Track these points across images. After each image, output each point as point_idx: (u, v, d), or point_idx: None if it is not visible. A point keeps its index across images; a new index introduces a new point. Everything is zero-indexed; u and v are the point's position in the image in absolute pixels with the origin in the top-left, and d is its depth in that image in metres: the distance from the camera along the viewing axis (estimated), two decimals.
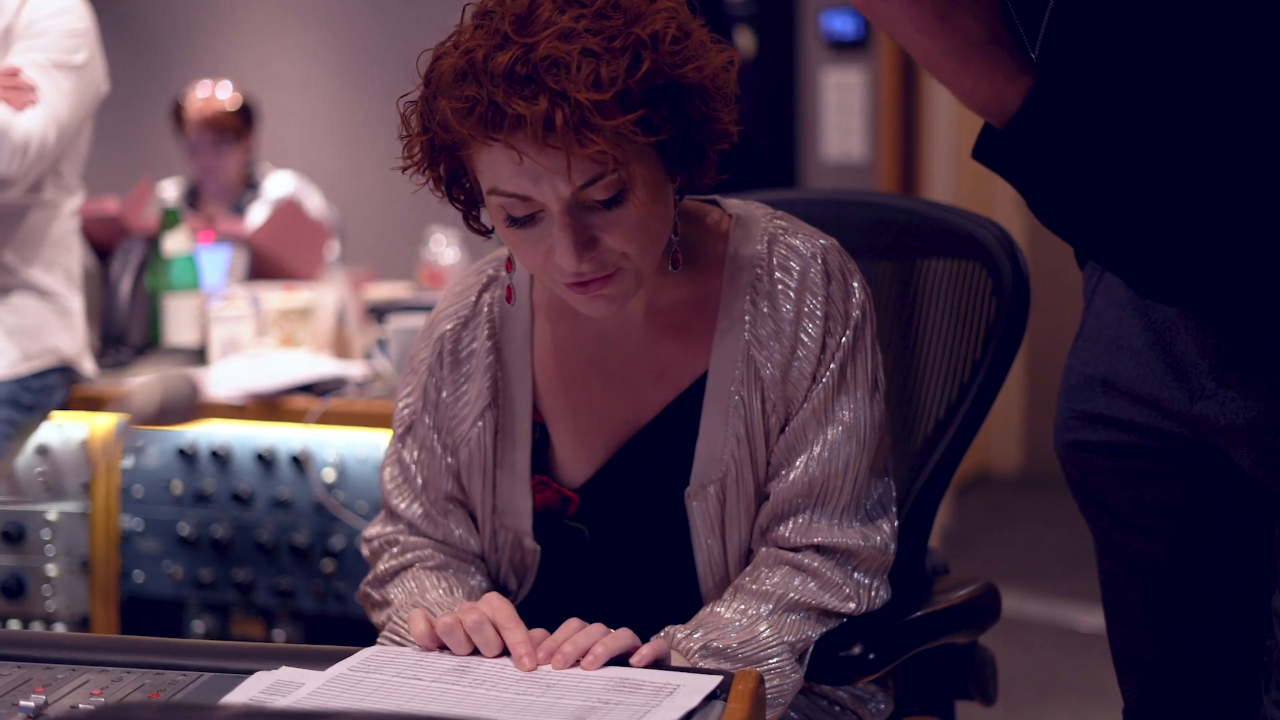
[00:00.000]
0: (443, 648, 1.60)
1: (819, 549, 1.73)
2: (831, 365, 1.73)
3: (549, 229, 1.60)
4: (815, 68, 5.43)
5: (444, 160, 1.65)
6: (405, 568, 1.85)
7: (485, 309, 1.85)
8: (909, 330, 2.12)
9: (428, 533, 1.86)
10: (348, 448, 3.00)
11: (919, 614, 1.84)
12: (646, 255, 1.65)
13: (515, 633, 1.55)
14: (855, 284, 1.76)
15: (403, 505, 1.86)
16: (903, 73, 5.46)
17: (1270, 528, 1.62)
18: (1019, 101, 1.43)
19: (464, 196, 1.70)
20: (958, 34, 1.42)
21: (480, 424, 1.82)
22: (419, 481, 1.85)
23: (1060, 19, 1.48)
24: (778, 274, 1.75)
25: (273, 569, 3.07)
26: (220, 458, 3.08)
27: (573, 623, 1.58)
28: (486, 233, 1.73)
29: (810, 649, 1.72)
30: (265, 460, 3.06)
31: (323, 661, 1.53)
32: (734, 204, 1.82)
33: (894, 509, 1.78)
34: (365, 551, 1.91)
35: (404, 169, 1.67)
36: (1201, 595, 1.72)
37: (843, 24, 5.40)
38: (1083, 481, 1.78)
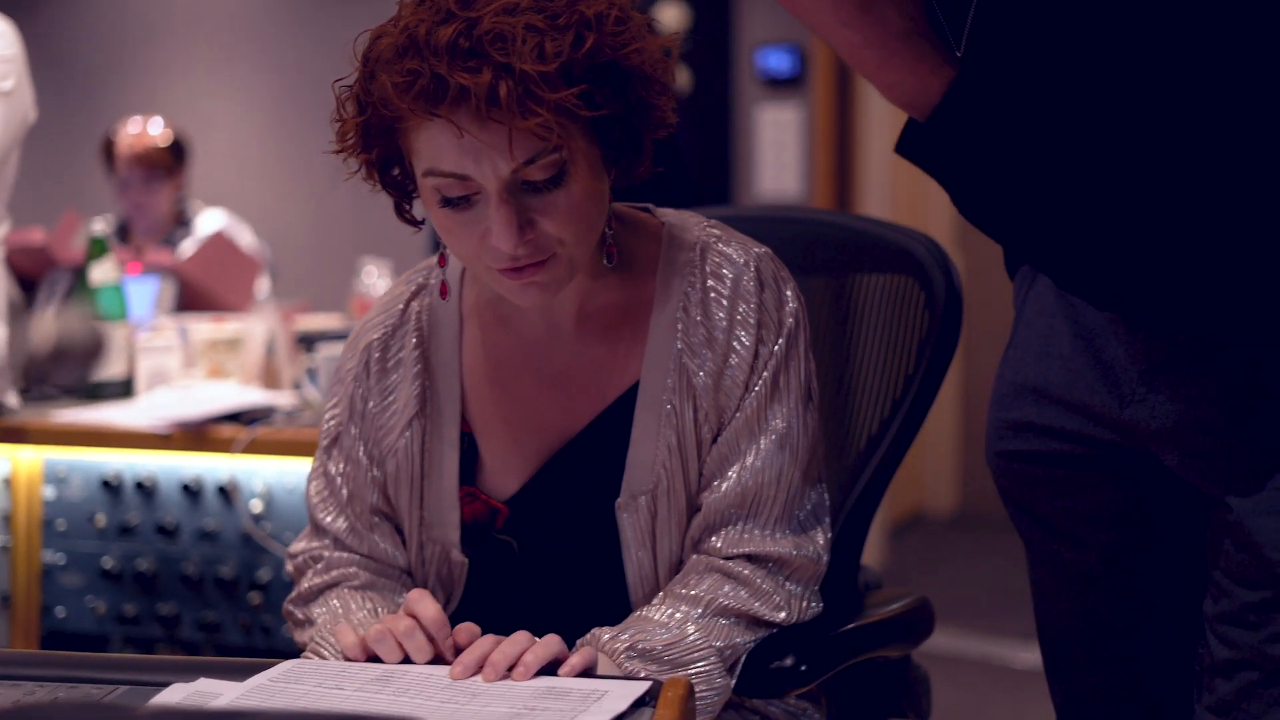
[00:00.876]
0: (371, 659, 1.57)
1: (750, 558, 1.71)
2: (764, 374, 1.71)
3: (484, 212, 1.58)
4: (750, 105, 5.44)
5: (379, 144, 1.62)
6: (330, 586, 1.81)
7: (413, 317, 1.82)
8: (842, 345, 2.11)
9: (353, 547, 1.82)
10: (276, 477, 2.96)
11: (852, 626, 1.82)
12: (581, 242, 1.62)
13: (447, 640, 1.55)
14: (789, 292, 1.74)
15: (328, 519, 1.83)
16: (838, 110, 5.47)
17: (1202, 534, 1.61)
18: (943, 93, 1.42)
19: (396, 184, 1.68)
20: (880, 25, 1.42)
21: (408, 434, 1.79)
22: (344, 494, 1.82)
23: (986, 12, 1.48)
24: (711, 281, 1.73)
25: (198, 602, 3.02)
26: (145, 489, 3.03)
27: (488, 640, 1.55)
28: (418, 224, 1.71)
29: (741, 660, 1.69)
30: (191, 491, 3.01)
31: (241, 674, 1.49)
32: (668, 212, 1.81)
33: (828, 519, 1.76)
34: (289, 568, 1.87)
35: (337, 152, 1.64)
36: (1134, 603, 1.71)
37: (778, 61, 5.42)
38: (1014, 491, 1.77)
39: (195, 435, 2.97)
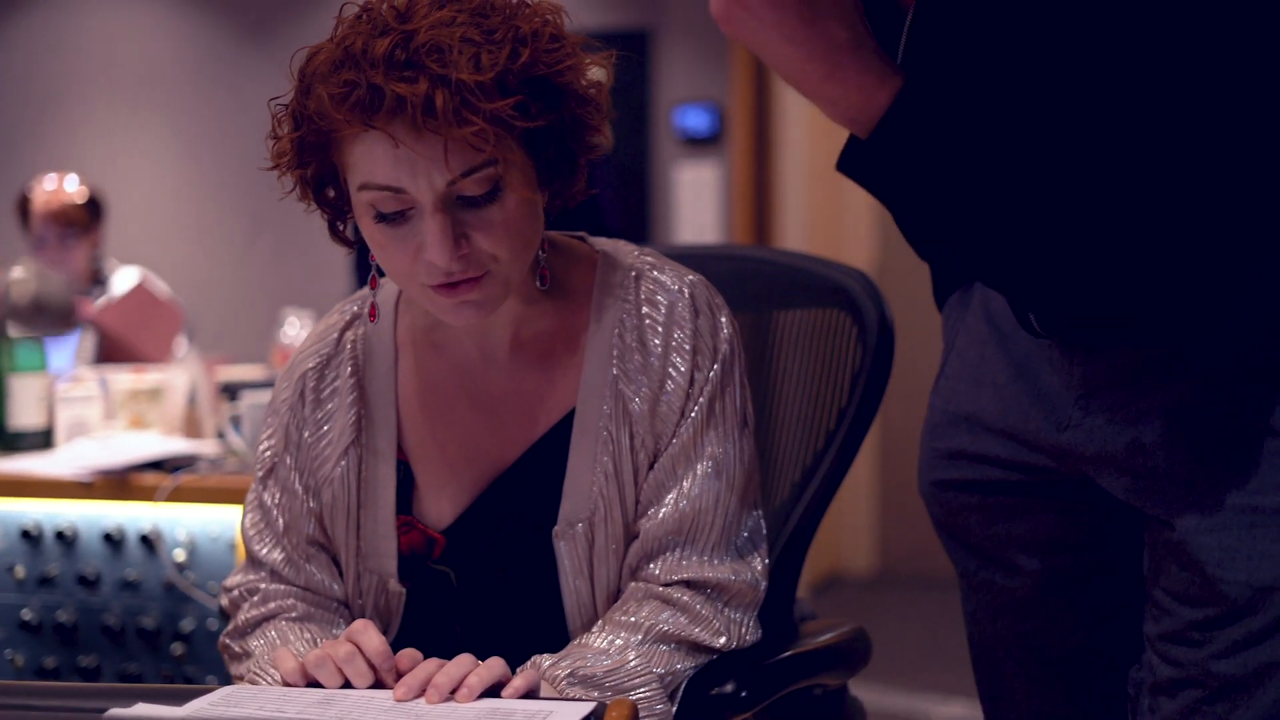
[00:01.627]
0: (311, 684, 1.55)
1: (689, 584, 1.71)
2: (700, 400, 1.72)
3: (419, 227, 1.58)
4: (669, 163, 5.48)
5: (314, 161, 1.62)
6: (267, 618, 1.78)
7: (348, 346, 1.81)
8: (773, 380, 2.12)
9: (290, 579, 1.80)
10: (199, 526, 2.93)
11: (791, 652, 1.82)
12: (516, 259, 1.63)
13: (386, 662, 1.53)
14: (723, 319, 1.75)
15: (264, 551, 1.81)
16: (756, 168, 5.52)
17: (1139, 555, 1.63)
18: (888, 105, 1.43)
19: (330, 204, 1.68)
20: (824, 38, 1.41)
21: (343, 463, 1.78)
22: (280, 525, 1.80)
23: (922, 26, 1.49)
24: (645, 309, 1.74)
25: (120, 654, 2.97)
26: (66, 539, 2.99)
27: (431, 663, 1.54)
28: (350, 244, 1.71)
29: (682, 686, 1.69)
30: (113, 541, 2.97)
31: (179, 699, 1.47)
32: (601, 241, 1.81)
33: (765, 545, 1.77)
34: (224, 601, 1.85)
35: (271, 168, 1.64)
36: (1069, 626, 1.72)
37: (696, 120, 5.46)
38: (947, 521, 1.78)
39: (117, 484, 2.93)
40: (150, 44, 6.72)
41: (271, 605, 1.78)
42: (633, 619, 1.68)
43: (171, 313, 3.92)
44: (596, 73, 1.65)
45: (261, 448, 1.83)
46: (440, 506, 1.77)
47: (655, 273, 1.76)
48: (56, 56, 6.70)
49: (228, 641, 1.81)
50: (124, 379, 3.27)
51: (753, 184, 5.50)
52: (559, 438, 1.74)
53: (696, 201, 5.44)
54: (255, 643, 1.77)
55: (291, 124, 1.61)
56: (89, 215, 4.94)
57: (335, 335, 1.82)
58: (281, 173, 1.64)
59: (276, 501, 1.80)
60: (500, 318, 1.72)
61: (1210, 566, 1.50)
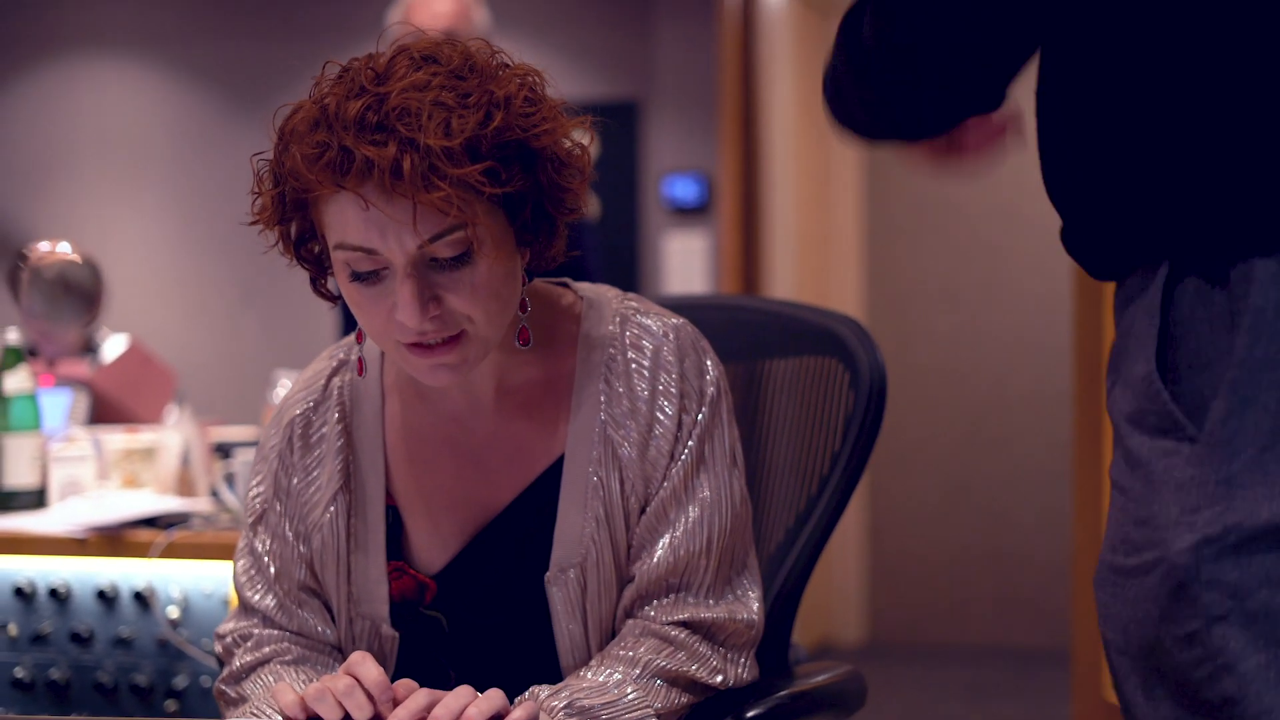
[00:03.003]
0: (311, 718, 1.56)
1: (686, 624, 1.72)
2: (690, 443, 1.73)
3: (392, 287, 1.59)
4: (657, 232, 5.52)
5: (294, 218, 1.64)
6: (263, 663, 1.79)
7: (335, 392, 1.82)
8: (764, 427, 2.14)
9: (283, 625, 1.81)
10: (193, 583, 2.93)
11: (787, 692, 1.83)
12: (492, 322, 1.64)
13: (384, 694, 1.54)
14: (709, 361, 1.77)
15: (256, 597, 1.82)
16: (744, 238, 5.57)
17: None
18: None
19: (312, 259, 1.69)
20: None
21: (332, 509, 1.79)
22: (272, 571, 1.81)
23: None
24: (631, 353, 1.75)
25: (113, 711, 2.97)
26: (59, 596, 2.99)
27: (423, 693, 1.55)
28: (334, 298, 1.73)
29: None
30: (107, 598, 2.97)
31: None
32: (585, 287, 1.83)
33: (759, 585, 1.78)
34: (218, 648, 1.86)
35: (252, 223, 1.66)
36: None
37: (684, 190, 5.51)
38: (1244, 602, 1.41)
39: (111, 540, 2.94)
40: (143, 115, 6.77)
41: (266, 650, 1.79)
42: (630, 654, 1.69)
43: (164, 374, 3.94)
44: (579, 134, 1.68)
45: (251, 494, 1.84)
46: (430, 552, 1.78)
47: (640, 317, 1.78)
48: (50, 126, 6.75)
49: (223, 688, 1.81)
50: (117, 439, 3.28)
51: (741, 253, 5.55)
52: (549, 484, 1.76)
53: (685, 270, 5.48)
54: (251, 687, 1.77)
55: (272, 180, 1.63)
56: None
57: (323, 382, 1.83)
58: (263, 229, 1.66)
59: (267, 548, 1.81)
60: (483, 368, 1.74)
61: None
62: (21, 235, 4.64)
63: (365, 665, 1.58)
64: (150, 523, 2.97)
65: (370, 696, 1.56)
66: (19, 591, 3.00)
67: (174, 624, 2.93)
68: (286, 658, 1.78)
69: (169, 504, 3.06)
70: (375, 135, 1.53)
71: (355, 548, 1.79)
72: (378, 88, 1.55)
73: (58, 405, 3.58)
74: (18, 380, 3.24)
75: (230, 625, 1.83)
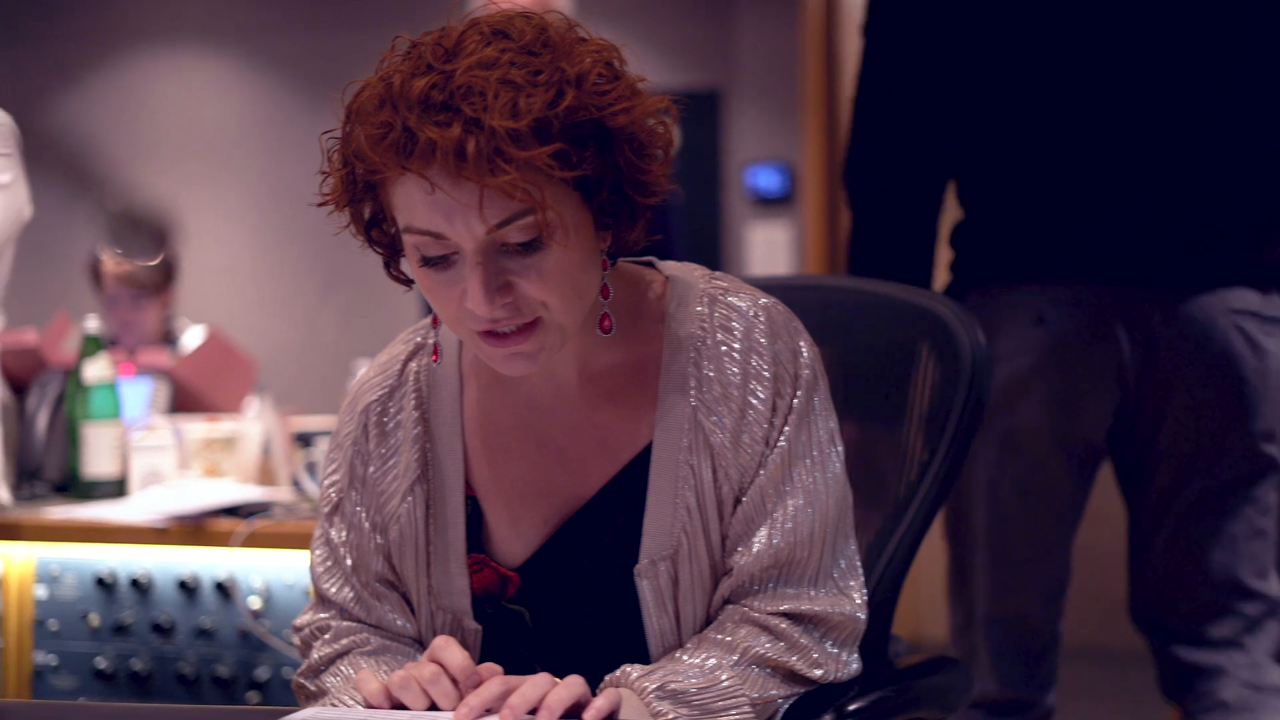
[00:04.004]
0: (396, 707, 1.51)
1: (787, 615, 1.65)
2: (785, 429, 1.65)
3: (464, 272, 1.52)
4: (741, 223, 5.46)
5: (365, 199, 1.58)
6: (341, 654, 1.73)
7: (411, 378, 1.75)
8: (865, 413, 2.07)
9: (360, 618, 1.75)
10: (275, 573, 2.89)
11: (890, 686, 1.76)
12: (569, 309, 1.56)
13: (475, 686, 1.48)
14: (802, 343, 1.69)
15: (333, 590, 1.75)
16: (828, 228, 5.49)
17: None
18: None
19: (384, 242, 1.63)
20: None
21: (409, 499, 1.72)
22: (349, 563, 1.74)
23: None
24: (720, 335, 1.67)
25: (194, 703, 2.93)
26: (140, 586, 2.96)
27: (497, 681, 1.48)
28: (408, 282, 1.65)
29: (778, 716, 1.63)
30: (188, 588, 2.94)
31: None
32: (670, 265, 1.75)
33: (861, 576, 1.71)
34: (295, 641, 1.80)
35: (321, 204, 1.60)
36: None
37: (768, 180, 5.44)
38: None
39: (192, 530, 2.90)
40: (222, 106, 6.77)
41: (344, 641, 1.73)
42: (728, 639, 1.62)
43: (244, 364, 3.91)
44: (660, 113, 1.60)
45: (327, 483, 1.78)
46: (512, 544, 1.71)
47: (728, 297, 1.70)
48: (130, 119, 6.76)
49: (302, 681, 1.76)
50: (198, 428, 3.25)
51: (825, 243, 5.47)
52: (636, 473, 1.68)
53: (768, 261, 5.41)
54: (330, 679, 1.72)
55: (340, 161, 1.57)
56: (161, 276, 4.96)
57: (398, 367, 1.76)
58: (333, 210, 1.60)
59: (343, 539, 1.75)
60: (565, 354, 1.66)
61: None
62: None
63: (450, 650, 1.52)
64: (231, 512, 2.93)
65: (456, 683, 1.50)
66: (100, 581, 2.98)
67: (255, 614, 2.89)
68: (366, 648, 1.72)
69: (250, 493, 3.03)
70: (439, 115, 1.45)
71: (434, 540, 1.72)
72: (445, 65, 1.48)
73: (138, 394, 3.55)
74: (98, 369, 3.22)
75: (307, 618, 1.78)
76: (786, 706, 1.65)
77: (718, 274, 1.74)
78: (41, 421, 3.38)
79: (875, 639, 1.90)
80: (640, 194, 1.58)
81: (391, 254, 1.64)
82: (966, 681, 1.89)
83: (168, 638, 2.94)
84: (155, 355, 4.06)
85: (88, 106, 6.78)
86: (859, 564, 1.71)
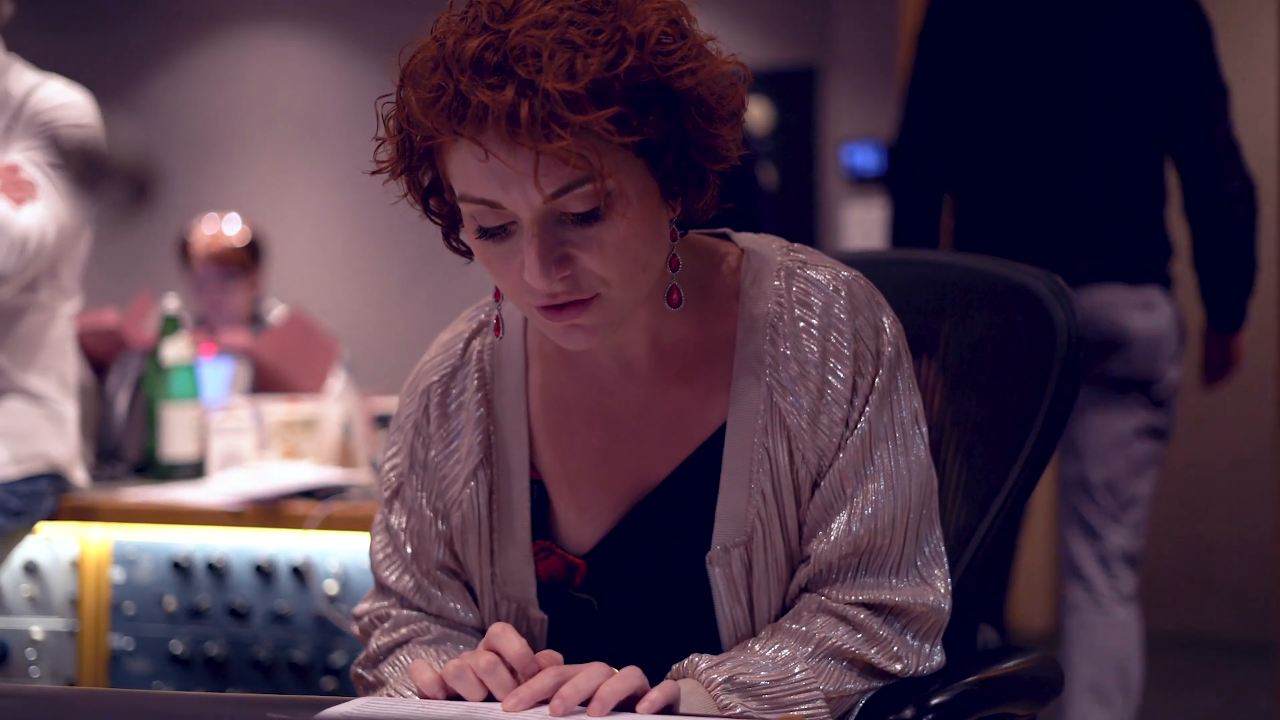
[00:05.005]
0: (452, 697, 1.43)
1: (866, 605, 1.56)
2: (866, 409, 1.56)
3: (522, 243, 1.44)
4: (836, 202, 5.35)
5: (421, 165, 1.49)
6: (401, 644, 1.66)
7: (474, 357, 1.67)
8: (954, 392, 1.97)
9: (421, 607, 1.68)
10: (351, 557, 2.83)
11: (975, 678, 1.66)
12: (631, 284, 1.47)
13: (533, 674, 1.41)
14: (885, 319, 1.59)
15: (392, 578, 1.68)
16: None
17: None
18: None
19: (443, 211, 1.54)
20: None
21: (472, 484, 1.64)
22: (409, 551, 1.67)
23: None
24: (798, 310, 1.57)
25: (270, 688, 2.89)
26: (216, 570, 2.91)
27: (550, 672, 1.41)
28: (468, 253, 1.56)
29: (855, 712, 1.54)
30: (264, 572, 2.89)
31: (309, 710, 1.36)
32: (746, 237, 1.65)
33: (945, 565, 1.61)
34: (355, 630, 1.73)
35: (376, 172, 1.51)
36: None
37: (864, 158, 5.33)
38: None
39: (268, 512, 2.86)
40: (315, 87, 6.75)
41: (404, 630, 1.66)
42: (804, 629, 1.53)
43: (326, 344, 3.87)
44: (732, 73, 1.50)
45: (386, 467, 1.70)
46: (580, 531, 1.63)
47: (807, 270, 1.59)
48: (222, 97, 6.76)
49: (360, 671, 1.69)
50: (278, 409, 3.20)
51: None
52: (709, 456, 1.59)
53: (864, 241, 5.30)
54: (389, 670, 1.65)
55: (396, 125, 1.48)
56: (249, 257, 4.94)
57: (461, 345, 1.68)
58: (389, 178, 1.52)
59: (403, 525, 1.68)
60: (634, 330, 1.58)
61: None
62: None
63: (507, 637, 1.44)
64: (308, 495, 2.88)
65: (514, 673, 1.42)
66: (177, 565, 2.93)
67: (331, 599, 2.84)
68: (426, 638, 1.65)
69: (327, 475, 2.98)
70: (492, 78, 1.37)
71: (498, 526, 1.64)
72: (500, 24, 1.39)
73: (219, 375, 3.51)
74: (177, 350, 3.18)
75: (366, 606, 1.71)
76: (864, 701, 1.56)
77: (796, 246, 1.64)
78: (121, 402, 3.36)
79: (962, 629, 1.81)
80: (709, 160, 1.49)
81: (451, 224, 1.56)
82: (1058, 674, 1.79)
83: (243, 622, 2.90)
84: (236, 336, 4.03)
85: (179, 88, 6.78)
86: (943, 552, 1.62)
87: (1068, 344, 1.85)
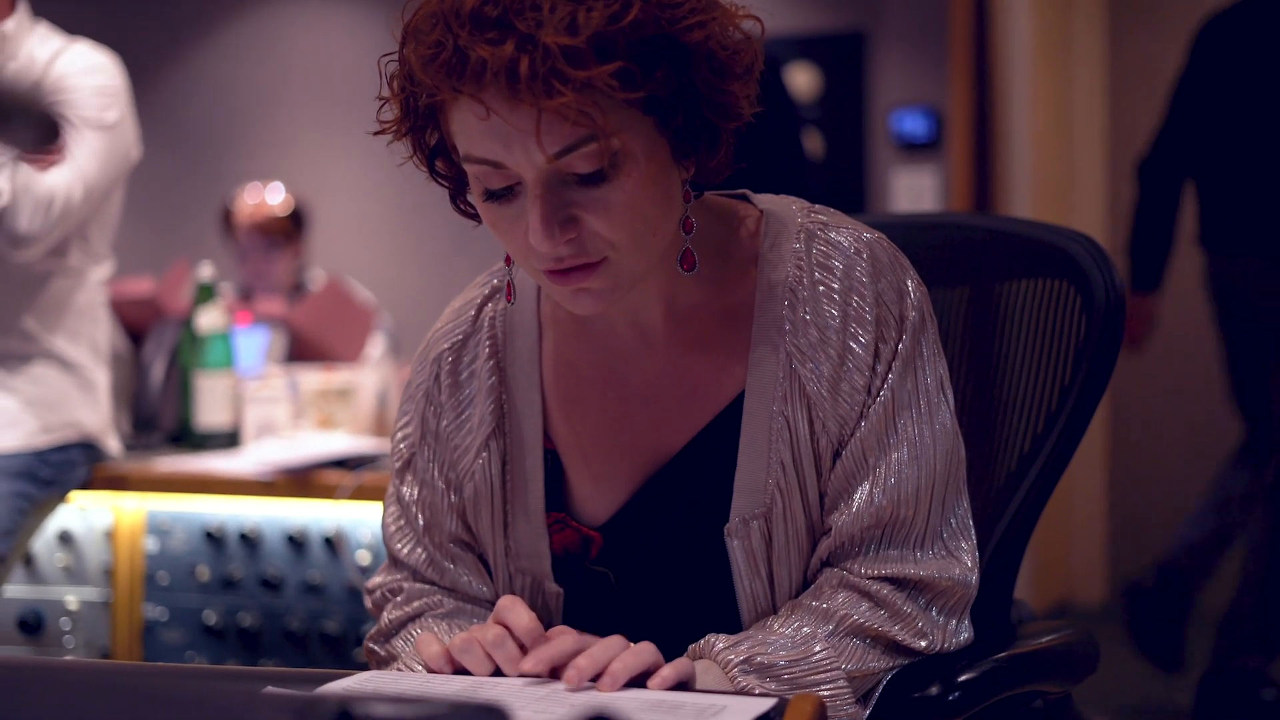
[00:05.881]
0: (459, 671, 1.39)
1: (890, 580, 1.51)
2: (889, 377, 1.50)
3: (527, 205, 1.38)
4: (885, 169, 5.28)
5: (427, 126, 1.44)
6: (413, 618, 1.62)
7: (486, 323, 1.62)
8: (986, 358, 1.91)
9: (434, 580, 1.63)
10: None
11: (1005, 654, 1.61)
12: (640, 248, 1.42)
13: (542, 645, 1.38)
14: (909, 282, 1.53)
15: (405, 550, 1.64)
16: (976, 174, 5.29)
17: None
18: None
19: (450, 173, 1.49)
20: None
21: (484, 455, 1.59)
22: (421, 523, 1.63)
23: None
24: (818, 274, 1.51)
25: (303, 660, 2.86)
26: (249, 540, 2.89)
27: (569, 639, 1.36)
28: (476, 217, 1.51)
29: (878, 691, 1.49)
30: (296, 542, 2.86)
31: (309, 684, 1.32)
32: (766, 198, 1.59)
33: (973, 537, 1.55)
34: (368, 603, 1.69)
35: (379, 133, 1.46)
36: None
37: (914, 124, 5.26)
38: None
39: (299, 482, 2.83)
40: (359, 56, 6.70)
41: (416, 604, 1.62)
42: (825, 606, 1.48)
43: (363, 313, 3.83)
44: (746, 26, 1.44)
45: (398, 437, 1.66)
46: (595, 502, 1.58)
47: (828, 232, 1.53)
48: (266, 66, 6.73)
49: (372, 646, 1.65)
50: (313, 379, 3.17)
51: (973, 191, 5.27)
52: (727, 425, 1.54)
53: (914, 208, 5.22)
54: (401, 644, 1.61)
55: (399, 84, 1.43)
56: (292, 226, 4.91)
57: (473, 312, 1.63)
58: (392, 138, 1.46)
59: (415, 497, 1.63)
60: (649, 294, 1.53)
61: None
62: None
63: (515, 611, 1.40)
64: (341, 464, 2.85)
65: (522, 648, 1.38)
66: (209, 535, 2.91)
67: (363, 570, 2.81)
68: (439, 611, 1.61)
69: (360, 445, 2.95)
70: (491, 33, 1.32)
71: (511, 498, 1.60)
72: None
73: (254, 344, 3.49)
74: (211, 318, 3.15)
75: (379, 579, 1.67)
76: (889, 678, 1.51)
77: (817, 207, 1.58)
78: (157, 371, 3.33)
79: (995, 603, 1.76)
80: (722, 118, 1.43)
81: (458, 187, 1.51)
82: (1094, 650, 1.73)
83: (276, 593, 2.87)
84: (272, 304, 4.00)
85: (223, 57, 6.76)
86: (971, 524, 1.56)
87: (1106, 309, 1.79)
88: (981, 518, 1.77)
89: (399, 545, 1.64)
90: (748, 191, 1.60)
